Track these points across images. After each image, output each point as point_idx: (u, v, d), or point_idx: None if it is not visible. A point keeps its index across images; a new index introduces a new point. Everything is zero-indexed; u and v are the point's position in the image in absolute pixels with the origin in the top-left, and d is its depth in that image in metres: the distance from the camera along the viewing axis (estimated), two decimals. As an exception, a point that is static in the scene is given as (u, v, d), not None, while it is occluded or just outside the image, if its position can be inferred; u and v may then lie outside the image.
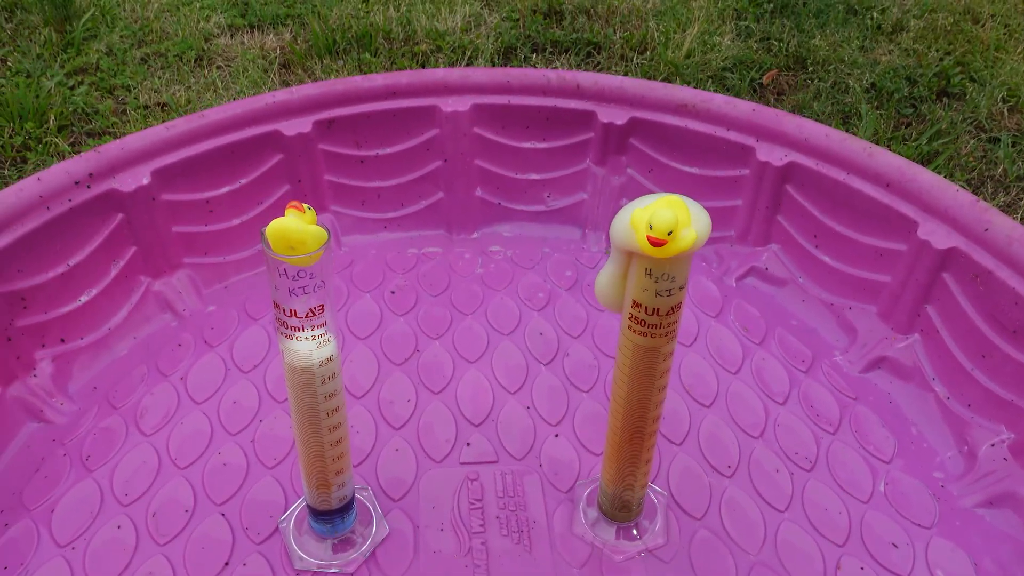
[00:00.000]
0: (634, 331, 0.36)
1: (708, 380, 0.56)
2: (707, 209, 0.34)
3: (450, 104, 0.66)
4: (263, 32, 1.09)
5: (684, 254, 0.33)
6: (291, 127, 0.63)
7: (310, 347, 0.35)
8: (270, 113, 0.63)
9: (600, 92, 0.65)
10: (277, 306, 0.34)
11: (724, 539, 0.46)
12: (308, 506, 0.44)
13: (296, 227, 0.32)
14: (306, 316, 0.34)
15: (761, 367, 0.57)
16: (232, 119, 0.61)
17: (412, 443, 0.51)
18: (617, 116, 0.65)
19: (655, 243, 0.32)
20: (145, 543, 0.45)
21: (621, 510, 0.45)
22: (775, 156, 0.60)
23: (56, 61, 0.86)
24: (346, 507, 0.44)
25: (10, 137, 0.84)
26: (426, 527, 0.46)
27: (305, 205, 0.33)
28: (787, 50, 1.04)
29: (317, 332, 0.35)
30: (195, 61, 1.03)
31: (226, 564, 0.44)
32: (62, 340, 0.55)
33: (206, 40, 1.05)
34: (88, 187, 0.55)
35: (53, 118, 0.86)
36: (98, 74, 0.94)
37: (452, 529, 0.46)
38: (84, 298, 0.56)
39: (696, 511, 0.47)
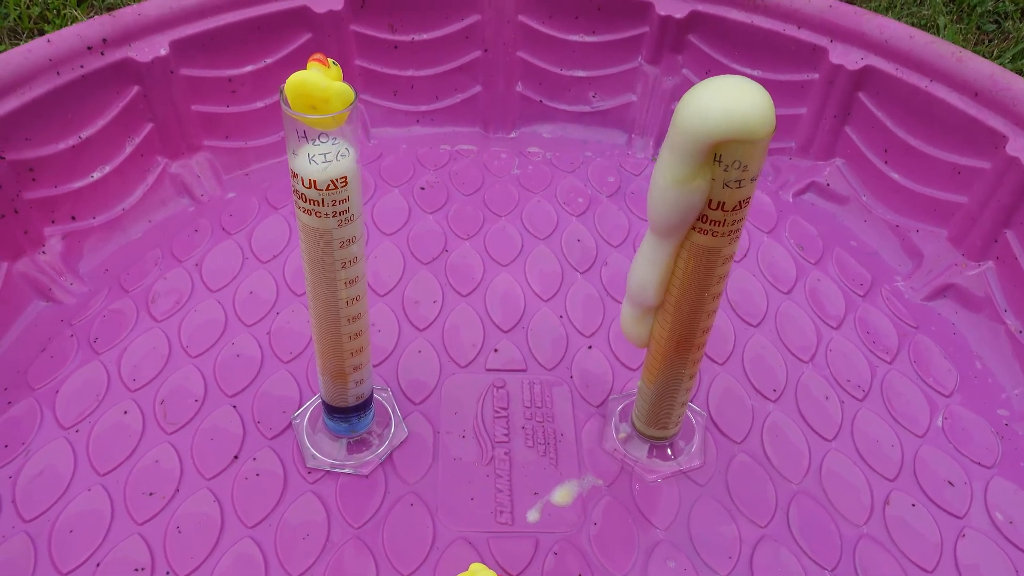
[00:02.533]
0: (693, 227, 0.32)
1: (757, 299, 0.52)
2: None
3: (494, -13, 0.60)
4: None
5: (755, 141, 0.28)
6: (322, 3, 0.58)
7: (330, 224, 0.31)
8: (299, -14, 0.58)
9: (659, -19, 0.59)
10: (295, 175, 0.30)
11: (764, 465, 0.43)
12: (323, 402, 0.41)
13: (319, 82, 0.28)
14: (327, 189, 0.30)
15: (815, 288, 0.53)
16: (258, -10, 0.56)
17: (436, 346, 0.48)
18: (677, 8, 0.59)
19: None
20: (152, 430, 0.43)
21: (657, 427, 0.42)
22: (850, 59, 0.55)
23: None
24: (363, 405, 0.41)
25: (27, 8, 0.80)
26: (447, 433, 0.43)
27: (331, 60, 0.29)
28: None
29: (339, 208, 0.31)
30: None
31: (235, 458, 0.42)
32: (73, 218, 0.52)
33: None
34: (102, 54, 0.51)
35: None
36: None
37: (475, 436, 0.43)
38: (97, 174, 0.53)
39: (736, 435, 0.44)
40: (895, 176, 0.55)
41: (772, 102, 0.28)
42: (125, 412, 0.43)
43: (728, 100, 0.28)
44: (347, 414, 0.41)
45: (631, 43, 0.62)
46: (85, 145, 0.52)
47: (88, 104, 0.51)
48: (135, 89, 0.53)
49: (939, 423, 0.46)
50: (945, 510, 0.41)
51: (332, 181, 0.30)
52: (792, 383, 0.47)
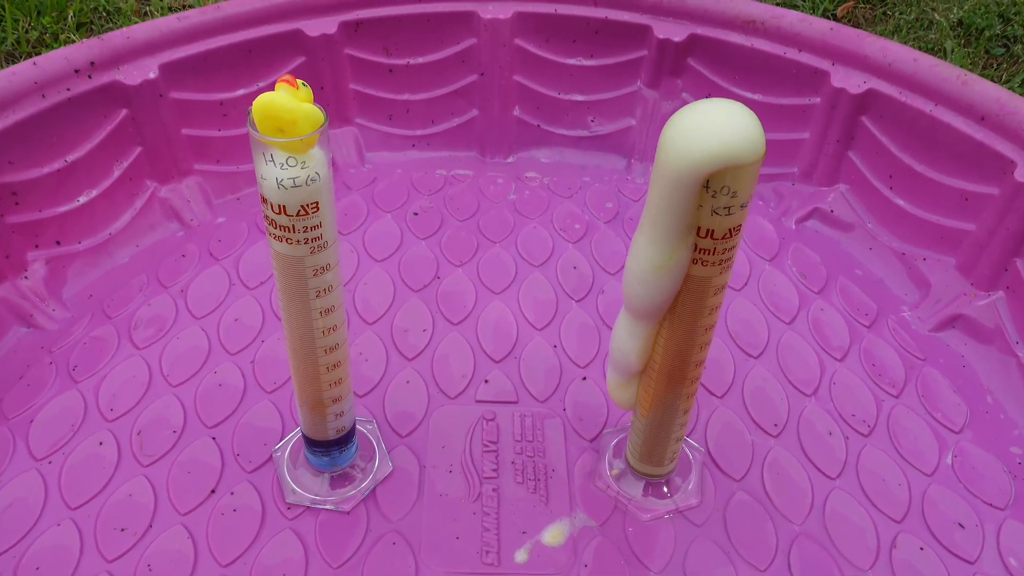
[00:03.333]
0: (682, 256, 0.31)
1: (758, 329, 0.50)
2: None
3: (490, 11, 0.59)
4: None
5: (744, 166, 0.27)
6: (315, 27, 0.57)
7: (302, 251, 0.30)
8: (293, 10, 0.57)
9: (658, 4, 0.58)
10: (264, 200, 0.29)
11: (765, 504, 0.41)
12: (303, 435, 0.39)
13: (286, 104, 0.27)
14: (298, 215, 0.29)
15: (819, 318, 0.51)
16: (250, 14, 0.56)
17: (425, 376, 0.46)
18: (675, 32, 0.58)
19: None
20: (127, 462, 0.41)
21: (651, 463, 0.40)
22: (852, 82, 0.53)
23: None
24: (344, 439, 0.39)
25: (25, 32, 0.80)
26: (433, 467, 0.42)
27: (300, 81, 0.28)
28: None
29: (311, 235, 0.30)
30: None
31: (212, 492, 0.40)
32: (57, 242, 0.51)
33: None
34: (89, 77, 0.50)
35: (72, 14, 0.81)
36: (124, -28, 0.89)
37: (462, 471, 0.42)
38: (83, 199, 0.52)
39: (735, 471, 0.42)
40: (900, 202, 0.53)
41: (760, 123, 0.27)
42: (100, 443, 0.42)
43: (713, 125, 0.27)
44: (327, 447, 0.39)
45: (630, 67, 0.61)
46: (71, 169, 0.51)
47: (74, 127, 0.50)
48: (123, 112, 0.52)
49: (948, 461, 0.43)
50: (955, 554, 0.39)
51: (303, 206, 0.29)
52: (794, 417, 0.45)
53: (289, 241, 0.30)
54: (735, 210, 0.29)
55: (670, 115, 0.62)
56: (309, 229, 0.30)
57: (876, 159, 0.54)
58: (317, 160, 0.28)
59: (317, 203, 0.29)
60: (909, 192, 0.53)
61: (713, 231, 0.29)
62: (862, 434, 0.45)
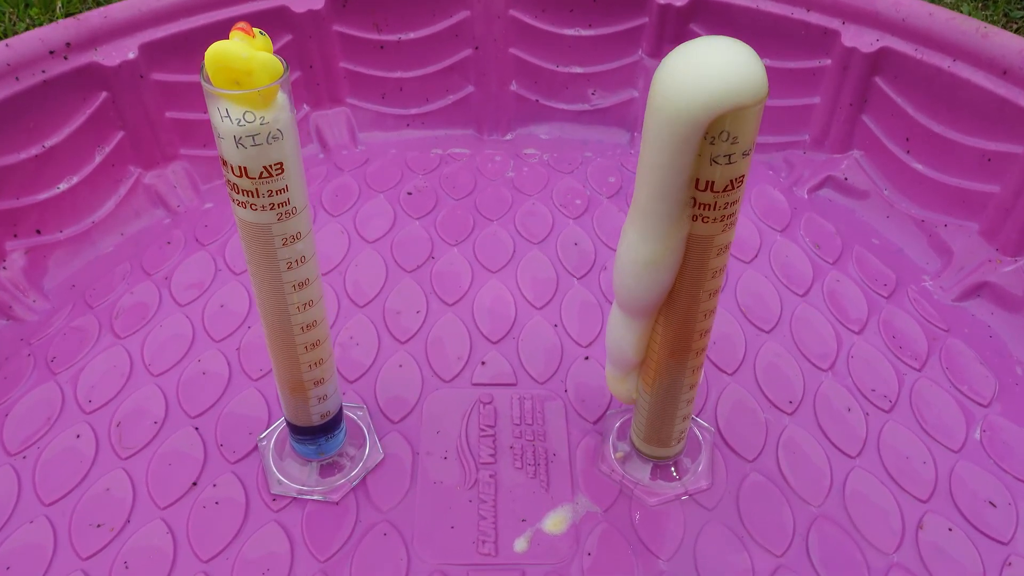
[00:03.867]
0: (681, 213, 0.28)
1: (770, 302, 0.47)
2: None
3: (483, -19, 0.57)
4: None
5: (746, 108, 0.24)
6: (301, 3, 0.55)
7: (268, 218, 0.28)
8: (277, -15, 0.55)
9: (657, -33, 0.56)
10: (224, 163, 0.27)
11: (780, 486, 0.38)
12: (287, 422, 0.37)
13: (240, 53, 0.24)
14: (260, 177, 0.27)
15: (834, 289, 0.48)
16: (233, -10, 0.54)
17: (419, 359, 0.44)
18: (676, -4, 0.56)
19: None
20: (105, 455, 0.39)
21: (657, 444, 0.37)
22: (864, 41, 0.50)
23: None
24: (330, 425, 0.37)
25: (12, 24, 0.78)
26: (427, 454, 0.40)
27: (257, 30, 0.25)
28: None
29: (277, 200, 0.28)
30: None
31: (194, 484, 0.38)
32: (37, 231, 0.49)
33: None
34: (65, 58, 0.48)
35: (60, 5, 0.80)
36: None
37: (457, 458, 0.39)
38: (63, 186, 0.50)
39: (748, 452, 0.40)
40: (918, 167, 0.51)
41: (760, 60, 0.24)
42: (78, 436, 0.40)
43: (711, 63, 0.24)
44: (313, 434, 0.37)
45: (630, 35, 0.58)
46: (49, 155, 0.49)
47: (52, 112, 0.49)
48: (103, 95, 0.50)
49: (977, 436, 0.41)
50: (987, 535, 0.37)
51: (265, 167, 0.26)
52: (810, 394, 0.42)
53: (253, 207, 0.28)
54: (736, 158, 0.26)
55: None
56: (275, 193, 0.27)
57: (892, 122, 0.51)
58: (279, 116, 0.26)
59: (281, 164, 0.27)
60: (927, 155, 0.50)
61: (713, 183, 0.27)
62: (883, 410, 0.42)
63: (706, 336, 0.33)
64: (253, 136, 0.26)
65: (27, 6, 0.78)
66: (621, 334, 0.33)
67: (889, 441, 0.40)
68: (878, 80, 0.51)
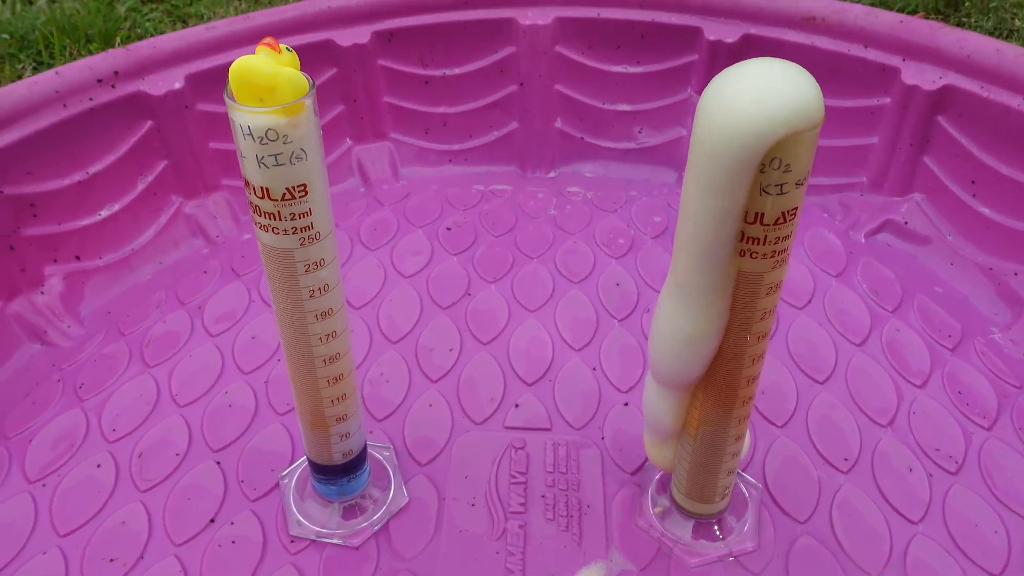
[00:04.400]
0: (728, 248, 0.26)
1: (824, 351, 0.45)
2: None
3: (529, 16, 0.56)
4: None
5: (801, 134, 0.22)
6: (347, 36, 0.55)
7: (290, 243, 0.27)
8: (324, 19, 0.55)
9: (708, 4, 0.54)
10: (246, 183, 0.26)
11: (834, 550, 0.35)
12: (309, 461, 0.36)
13: (264, 68, 0.23)
14: (283, 199, 0.26)
15: (894, 339, 0.45)
16: (280, 23, 0.54)
17: (450, 399, 0.42)
18: (728, 32, 0.54)
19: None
20: (124, 487, 0.38)
21: (700, 500, 0.35)
22: (927, 78, 0.48)
23: (135, -12, 0.83)
24: (353, 465, 0.35)
25: (72, 57, 0.81)
26: (454, 500, 0.37)
27: (284, 46, 0.25)
28: (937, -10, 0.89)
29: (301, 223, 0.26)
30: (275, -7, 0.99)
31: (211, 521, 0.37)
32: (77, 257, 0.49)
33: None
34: (113, 86, 0.49)
35: (119, 40, 0.82)
36: (173, 2, 0.90)
37: (486, 505, 0.37)
38: (105, 212, 0.50)
39: (799, 512, 0.37)
40: (985, 211, 0.48)
41: (814, 81, 0.22)
42: (98, 465, 0.39)
43: (765, 85, 0.22)
44: (334, 474, 0.35)
45: (679, 73, 0.57)
46: (92, 181, 0.49)
47: (97, 139, 0.49)
48: (148, 124, 0.51)
49: (1055, 504, 0.37)
50: (1068, 615, 0.33)
51: (288, 189, 0.25)
52: (867, 451, 0.39)
53: (275, 231, 0.26)
54: (789, 188, 0.24)
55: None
56: (298, 216, 0.26)
57: (956, 163, 0.49)
58: (304, 134, 0.25)
59: (305, 186, 0.26)
60: (995, 199, 0.47)
61: (763, 215, 0.25)
62: (949, 471, 0.38)
63: (754, 383, 0.30)
64: (276, 156, 0.25)
65: (88, 41, 0.80)
66: (658, 404, 0.31)
67: (955, 506, 0.37)
68: (941, 119, 0.49)
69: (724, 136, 0.23)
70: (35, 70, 0.79)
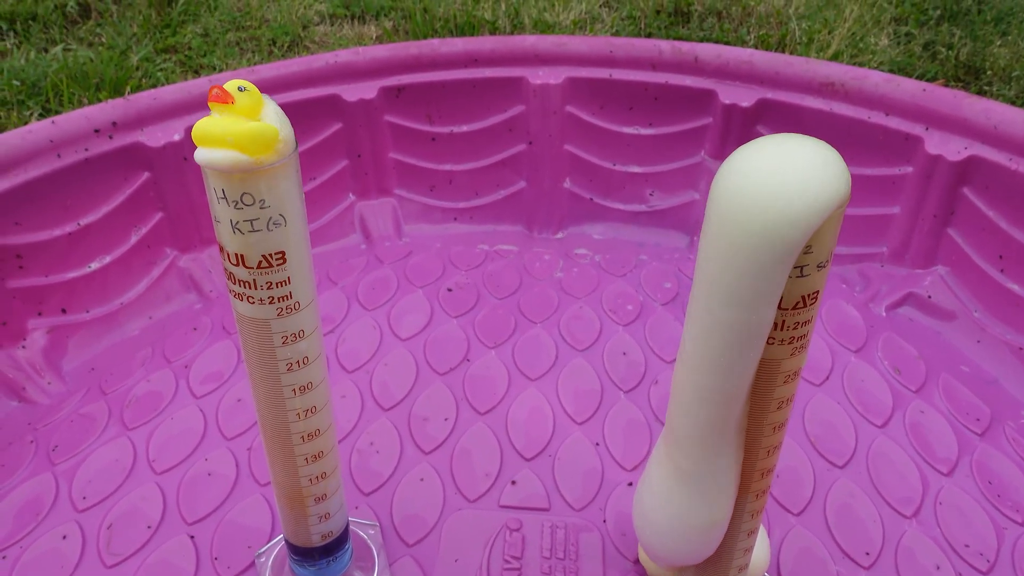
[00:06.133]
0: (741, 332, 0.24)
1: (843, 432, 0.42)
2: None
3: (540, 76, 0.55)
4: (364, 22, 1.03)
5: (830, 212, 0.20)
6: (353, 92, 0.54)
7: (267, 313, 0.25)
8: (331, 74, 0.54)
9: (723, 67, 0.53)
10: (221, 249, 0.24)
11: (856, 658, 0.32)
12: (286, 541, 0.33)
13: (224, 129, 0.21)
14: (259, 267, 0.24)
15: (918, 422, 0.42)
16: (286, 77, 0.53)
17: (442, 473, 0.40)
18: (743, 96, 0.53)
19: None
20: (90, 561, 0.35)
21: (708, 598, 0.32)
22: (951, 148, 0.46)
23: (149, 39, 0.82)
24: (333, 546, 0.33)
25: (81, 105, 0.81)
26: (442, 586, 0.35)
27: (240, 83, 0.22)
28: (957, 58, 0.88)
29: (278, 293, 0.24)
30: (287, 47, 0.98)
31: (179, 603, 0.34)
32: (63, 310, 0.47)
33: (303, 27, 1.00)
34: (110, 137, 0.48)
35: (129, 89, 0.82)
36: (187, 52, 0.91)
37: (476, 593, 0.34)
38: (95, 265, 0.48)
39: (816, 612, 0.34)
40: (1014, 287, 0.45)
41: (839, 157, 0.20)
42: (64, 536, 0.36)
43: (792, 166, 0.20)
44: (312, 557, 0.33)
45: (693, 135, 0.55)
46: (84, 232, 0.48)
47: (91, 189, 0.48)
48: (145, 175, 0.49)
49: (1098, 612, 0.34)
50: None
51: (265, 256, 0.23)
52: (891, 545, 0.36)
53: (251, 300, 0.24)
54: (810, 271, 0.22)
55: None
56: (275, 285, 0.24)
57: (982, 237, 0.46)
58: (282, 198, 0.23)
59: (283, 253, 0.24)
60: (1025, 275, 0.45)
61: (782, 299, 0.22)
62: (980, 571, 0.35)
63: (768, 476, 0.28)
64: (252, 221, 0.23)
65: (98, 89, 0.80)
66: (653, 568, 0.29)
67: (988, 611, 0.34)
68: (966, 191, 0.47)
69: (759, 228, 0.19)
70: (41, 117, 0.78)
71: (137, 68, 0.82)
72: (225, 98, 0.21)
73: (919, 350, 0.47)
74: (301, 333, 0.26)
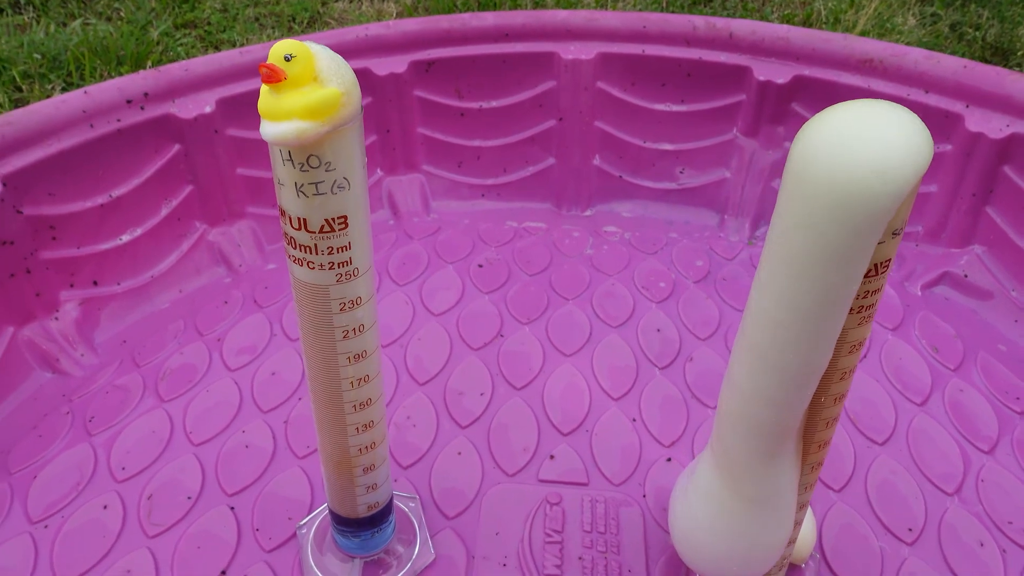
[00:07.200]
0: (809, 301, 0.23)
1: (882, 410, 0.42)
2: None
3: (572, 51, 0.55)
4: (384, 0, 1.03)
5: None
6: (383, 66, 0.54)
7: (327, 279, 0.24)
8: (361, 47, 0.54)
9: (758, 43, 0.53)
10: (282, 213, 0.24)
11: (901, 633, 0.32)
12: (330, 511, 0.33)
13: (289, 106, 0.21)
14: (321, 231, 0.23)
15: (958, 400, 0.42)
16: (316, 50, 0.52)
17: (480, 447, 0.40)
18: (778, 73, 0.52)
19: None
20: (131, 531, 0.35)
21: (754, 572, 0.32)
22: (992, 126, 0.46)
23: (168, 14, 0.82)
24: (378, 518, 0.33)
25: (103, 79, 0.80)
26: (484, 558, 0.35)
27: (286, 50, 0.21)
28: (984, 39, 0.87)
29: (339, 258, 0.24)
30: (307, 23, 0.98)
31: (222, 573, 0.34)
32: (95, 283, 0.47)
33: (323, 3, 1.00)
34: (142, 108, 0.47)
35: (150, 63, 0.81)
36: (207, 28, 0.90)
37: (518, 566, 0.34)
38: (126, 237, 0.48)
39: (860, 587, 0.34)
40: (1055, 267, 0.45)
41: (922, 122, 0.20)
42: (105, 507, 0.36)
43: (891, 132, 0.19)
44: (358, 527, 0.33)
45: (725, 113, 0.55)
46: (115, 204, 0.47)
47: (123, 161, 0.47)
48: (176, 148, 0.49)
49: None
50: None
51: (327, 221, 0.23)
52: (933, 521, 0.36)
53: (311, 265, 0.24)
54: (885, 237, 0.22)
55: (770, 166, 0.54)
56: (336, 251, 0.24)
57: (1022, 216, 0.46)
58: (347, 162, 0.22)
59: (346, 218, 0.23)
60: (1065, 254, 0.44)
61: (854, 266, 0.22)
62: (1023, 547, 0.35)
63: (825, 448, 0.28)
64: (317, 184, 0.22)
65: (119, 63, 0.79)
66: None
67: (1033, 588, 0.34)
68: (1007, 169, 0.46)
69: (860, 187, 0.19)
70: (64, 91, 0.78)
71: (157, 43, 0.81)
72: (276, 76, 0.20)
73: (956, 329, 0.46)
74: (358, 300, 0.25)
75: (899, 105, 0.20)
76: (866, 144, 0.19)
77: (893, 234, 0.22)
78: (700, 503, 0.28)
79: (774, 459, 0.26)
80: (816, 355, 0.23)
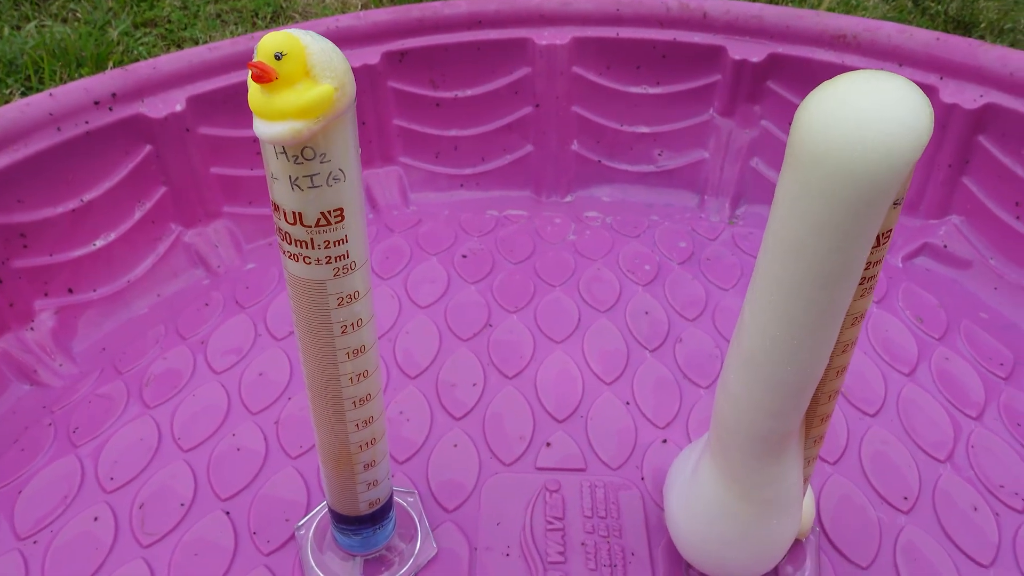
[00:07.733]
0: (812, 275, 0.23)
1: (872, 381, 0.42)
2: None
3: (546, 36, 0.54)
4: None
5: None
6: (357, 57, 0.53)
7: (323, 274, 0.24)
8: (332, 39, 0.52)
9: (732, 22, 0.53)
10: (276, 208, 0.23)
11: (903, 601, 0.32)
12: (330, 510, 0.32)
13: (281, 105, 0.20)
14: (317, 225, 0.23)
15: (944, 369, 0.43)
16: (286, 43, 0.51)
17: (476, 438, 0.39)
18: (753, 52, 0.52)
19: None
20: (124, 542, 0.35)
21: (758, 548, 0.32)
22: (966, 97, 0.46)
23: (127, 13, 0.80)
24: (379, 514, 0.32)
25: (63, 81, 0.78)
26: (487, 549, 0.34)
27: (276, 48, 0.20)
28: (946, 13, 0.88)
29: (335, 252, 0.24)
30: (271, 17, 0.96)
31: (222, 579, 0.33)
32: (69, 290, 0.46)
33: (286, -2, 0.98)
34: (110, 109, 0.46)
35: (111, 64, 0.79)
36: (168, 26, 0.88)
37: (521, 555, 0.34)
38: (100, 242, 0.47)
39: (861, 557, 0.34)
40: (1032, 233, 0.46)
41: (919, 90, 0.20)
42: (95, 519, 0.36)
43: (895, 101, 0.19)
44: (359, 525, 0.32)
45: (701, 93, 0.55)
46: (87, 209, 0.46)
47: (92, 164, 0.46)
48: (147, 148, 0.48)
49: None
50: None
51: (323, 214, 0.23)
52: (927, 489, 0.37)
53: (307, 260, 0.24)
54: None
55: (748, 145, 0.54)
56: (332, 244, 0.23)
57: (999, 185, 0.47)
58: (341, 150, 0.22)
59: (342, 210, 0.23)
60: (1041, 221, 0.45)
61: (857, 238, 0.22)
62: (1016, 510, 0.36)
63: (826, 421, 0.28)
64: (311, 176, 0.22)
65: (79, 65, 0.77)
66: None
67: (1028, 549, 0.34)
68: (982, 139, 0.47)
69: (866, 158, 0.19)
70: (24, 95, 0.76)
71: (117, 43, 0.79)
72: (267, 76, 0.20)
73: (938, 299, 0.47)
74: (356, 295, 0.25)
75: (898, 76, 0.20)
76: (871, 122, 0.19)
77: (895, 204, 0.22)
78: (707, 510, 0.28)
79: (778, 459, 0.26)
80: (825, 329, 0.23)
